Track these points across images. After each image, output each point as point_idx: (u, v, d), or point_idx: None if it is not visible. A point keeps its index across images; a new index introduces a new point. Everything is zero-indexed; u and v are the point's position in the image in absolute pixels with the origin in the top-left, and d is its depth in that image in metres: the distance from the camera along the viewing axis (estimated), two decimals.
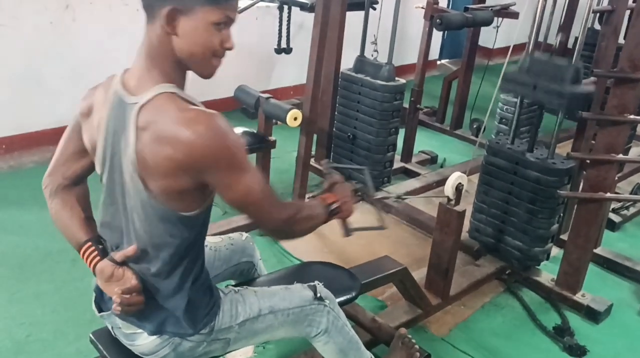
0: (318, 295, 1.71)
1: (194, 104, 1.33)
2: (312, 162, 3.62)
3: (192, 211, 1.38)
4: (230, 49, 1.34)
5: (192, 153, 1.25)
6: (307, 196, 3.36)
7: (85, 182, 1.59)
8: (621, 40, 2.82)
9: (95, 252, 1.47)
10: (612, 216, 3.38)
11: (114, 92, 1.37)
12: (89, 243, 1.48)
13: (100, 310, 1.56)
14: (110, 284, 1.43)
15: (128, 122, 1.31)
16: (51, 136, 3.83)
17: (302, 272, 2.15)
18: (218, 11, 1.28)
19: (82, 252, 1.49)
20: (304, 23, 4.48)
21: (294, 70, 4.93)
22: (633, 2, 2.73)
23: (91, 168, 1.53)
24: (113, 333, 1.59)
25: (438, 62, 6.63)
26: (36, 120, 3.84)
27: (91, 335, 1.65)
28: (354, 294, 2.02)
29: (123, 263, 1.44)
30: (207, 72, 1.36)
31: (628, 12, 2.76)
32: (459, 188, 2.45)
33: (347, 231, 1.72)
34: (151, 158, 1.28)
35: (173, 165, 1.27)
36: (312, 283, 1.75)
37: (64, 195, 1.54)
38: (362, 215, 1.82)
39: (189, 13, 1.26)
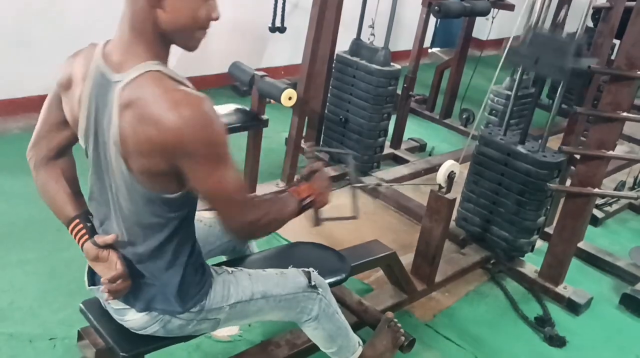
0: (312, 283, 1.71)
1: (181, 83, 1.27)
2: (302, 143, 3.60)
3: (173, 193, 1.33)
4: (216, 19, 1.28)
5: (174, 137, 1.20)
6: (295, 177, 3.35)
7: (70, 152, 1.54)
8: None
9: (84, 230, 1.45)
10: (595, 212, 3.42)
11: (96, 67, 1.30)
12: (77, 221, 1.46)
13: (92, 282, 1.55)
14: (97, 264, 1.43)
15: (111, 101, 1.26)
16: (37, 102, 3.66)
17: (292, 252, 2.15)
18: None
19: (70, 229, 1.47)
20: (299, 2, 4.44)
21: (286, 50, 4.89)
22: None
23: (75, 138, 1.47)
24: (104, 305, 1.58)
25: (429, 50, 6.62)
26: (23, 85, 3.75)
27: (81, 305, 1.64)
28: (343, 276, 2.03)
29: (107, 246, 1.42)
30: (192, 45, 1.30)
31: None
32: (451, 177, 2.46)
33: (317, 220, 1.70)
34: (132, 137, 1.23)
35: (151, 147, 1.22)
36: (307, 270, 1.75)
37: (49, 168, 1.50)
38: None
39: None
